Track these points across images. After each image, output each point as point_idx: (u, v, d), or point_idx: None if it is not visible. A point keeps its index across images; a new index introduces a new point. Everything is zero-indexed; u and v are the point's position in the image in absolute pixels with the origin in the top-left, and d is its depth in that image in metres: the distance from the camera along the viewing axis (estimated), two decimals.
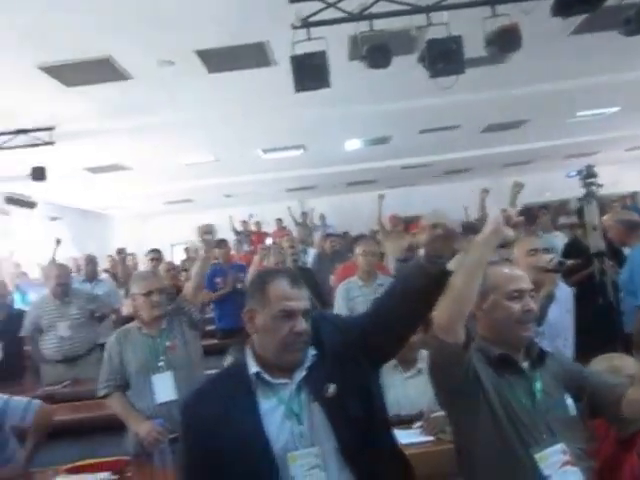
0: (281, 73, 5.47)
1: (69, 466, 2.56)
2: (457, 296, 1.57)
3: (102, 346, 4.89)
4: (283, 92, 6.06)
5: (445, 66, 4.04)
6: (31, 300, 6.47)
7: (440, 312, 1.60)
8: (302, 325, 1.57)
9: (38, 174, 7.30)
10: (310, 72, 4.05)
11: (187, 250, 10.31)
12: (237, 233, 11.55)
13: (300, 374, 1.58)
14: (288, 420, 1.54)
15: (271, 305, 1.57)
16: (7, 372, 4.49)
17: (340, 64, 4.92)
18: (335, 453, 1.54)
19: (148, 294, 2.89)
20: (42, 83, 5.61)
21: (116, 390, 2.86)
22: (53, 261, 5.96)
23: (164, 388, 2.77)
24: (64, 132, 7.09)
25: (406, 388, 2.85)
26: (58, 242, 6.98)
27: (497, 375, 1.74)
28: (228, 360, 3.53)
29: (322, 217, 12.14)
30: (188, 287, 3.14)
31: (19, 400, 2.85)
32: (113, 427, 3.18)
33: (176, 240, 13.74)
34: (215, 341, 5.48)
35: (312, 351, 1.61)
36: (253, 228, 12.08)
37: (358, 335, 1.60)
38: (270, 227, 12.42)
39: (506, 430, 1.66)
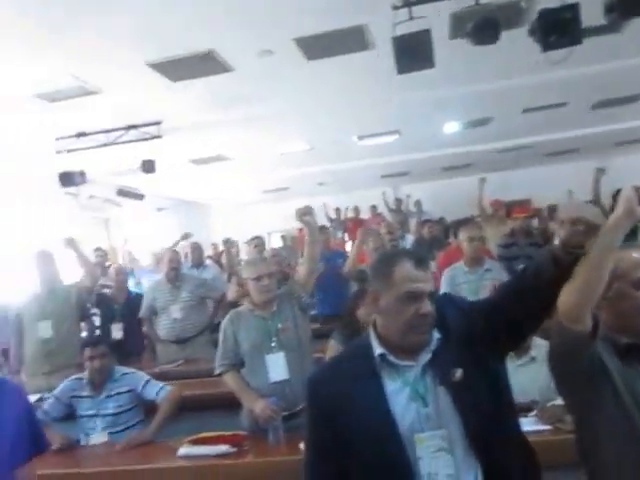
0: (380, 57, 5.45)
1: (192, 438, 2.70)
2: (585, 283, 1.48)
3: (214, 327, 5.21)
4: (381, 76, 6.04)
5: (559, 38, 3.81)
6: (143, 285, 6.86)
7: (566, 299, 1.51)
8: (427, 307, 1.55)
9: (148, 167, 7.69)
10: (413, 53, 4.00)
11: (283, 238, 10.50)
12: (331, 220, 11.65)
13: (425, 357, 1.57)
14: (413, 402, 1.54)
15: (396, 287, 1.56)
16: (127, 351, 4.78)
17: (440, 44, 4.81)
18: (461, 438, 1.52)
19: (258, 279, 2.97)
20: (150, 79, 5.88)
21: (231, 369, 2.98)
22: (171, 248, 6.25)
23: (277, 368, 2.85)
24: (170, 126, 7.42)
25: (517, 376, 2.76)
26: (186, 236, 7.24)
27: (625, 365, 1.64)
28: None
29: (418, 203, 11.97)
30: (300, 272, 3.19)
31: (156, 383, 3.29)
32: (225, 404, 3.33)
33: (272, 228, 14.05)
34: (317, 325, 5.57)
35: (437, 334, 1.60)
36: (351, 215, 12.12)
37: (483, 320, 1.57)
38: (364, 214, 12.41)
39: (635, 422, 1.57)
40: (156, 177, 9.23)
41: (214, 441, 2.63)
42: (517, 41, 5.20)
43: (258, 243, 6.11)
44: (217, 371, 3.00)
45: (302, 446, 2.48)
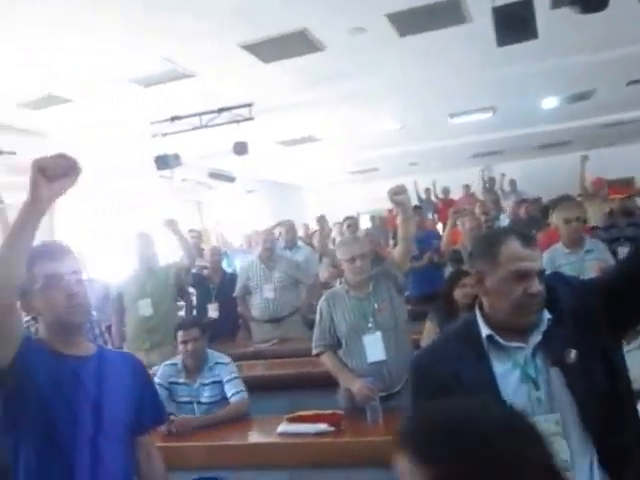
0: (477, 30, 5.23)
1: (290, 416, 2.73)
2: None
3: (307, 308, 5.26)
4: (477, 51, 5.81)
5: None
6: (236, 266, 7.02)
7: None
8: (537, 286, 1.46)
9: (240, 149, 7.81)
10: (514, 23, 3.79)
11: (373, 219, 10.43)
12: (421, 201, 11.45)
13: (536, 338, 1.49)
14: (524, 385, 1.47)
15: (503, 266, 1.48)
16: (222, 330, 4.91)
17: (541, 14, 4.55)
18: (575, 422, 1.44)
19: (352, 260, 2.94)
20: (242, 61, 5.95)
21: (328, 349, 2.98)
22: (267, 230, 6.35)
23: (374, 348, 2.83)
24: (262, 108, 7.50)
25: (628, 361, 2.60)
26: (279, 225, 7.33)
27: None
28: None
29: (513, 182, 11.54)
30: (396, 252, 3.13)
31: (238, 384, 3.19)
32: (320, 383, 3.35)
33: (361, 209, 14.02)
34: (409, 307, 5.49)
35: (547, 314, 1.51)
36: (439, 195, 11.87)
37: (598, 299, 1.47)
38: (455, 194, 12.12)
39: None
40: (246, 159, 9.42)
41: (312, 419, 2.64)
42: (626, 8, 4.84)
43: (351, 223, 6.09)
44: (314, 351, 3.01)
45: None
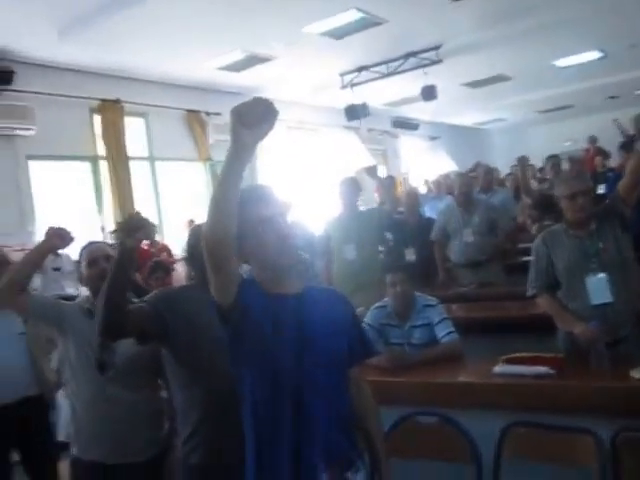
0: None
1: (508, 357, 2.70)
2: None
3: (503, 253, 5.13)
4: None
5: None
6: (426, 211, 6.99)
7: None
8: None
9: (428, 93, 7.68)
10: None
11: (571, 160, 9.69)
12: (630, 137, 10.34)
13: None
14: None
15: None
16: (422, 274, 4.95)
17: None
18: None
19: (572, 197, 2.77)
20: (430, 1, 5.79)
21: (545, 291, 2.88)
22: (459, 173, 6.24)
23: (598, 290, 2.67)
24: (450, 49, 7.28)
25: None
26: (476, 168, 7.18)
27: None
28: None
29: None
30: (622, 185, 2.89)
31: (448, 324, 3.15)
32: (527, 327, 3.25)
33: (552, 150, 13.10)
34: None
35: None
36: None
37: None
38: None
39: None
40: (430, 105, 9.25)
41: (532, 361, 2.59)
42: None
43: (555, 162, 5.73)
44: (530, 292, 2.92)
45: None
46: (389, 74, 7.85)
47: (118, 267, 1.85)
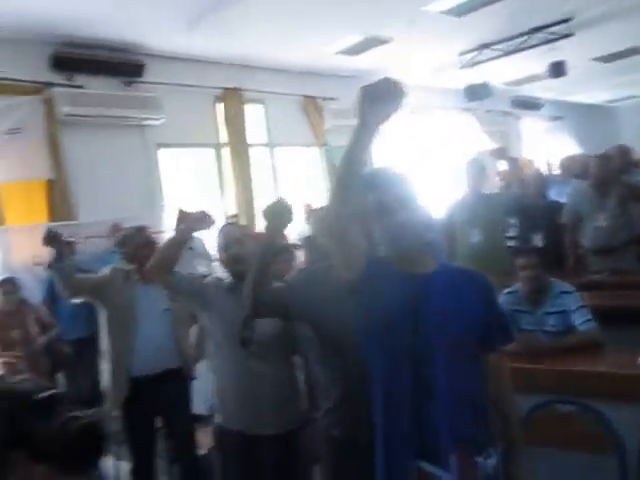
0: None
1: None
2: None
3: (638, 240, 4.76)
4: None
5: None
6: (551, 195, 6.63)
7: None
8: None
9: (557, 70, 7.25)
10: None
11: None
12: None
13: None
14: None
15: None
16: (549, 260, 4.71)
17: None
18: None
19: None
20: None
21: None
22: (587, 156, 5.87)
23: None
24: (583, 21, 6.81)
25: None
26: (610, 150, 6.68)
27: None
28: None
29: None
30: None
31: (586, 312, 3.02)
32: None
33: None
34: None
35: None
36: None
37: None
38: None
39: None
40: (554, 83, 8.74)
41: None
42: None
43: None
44: None
45: None
46: (512, 51, 7.49)
47: (266, 251, 1.91)
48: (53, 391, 0.65)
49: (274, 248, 1.96)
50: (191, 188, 7.25)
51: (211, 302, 2.45)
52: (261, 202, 7.54)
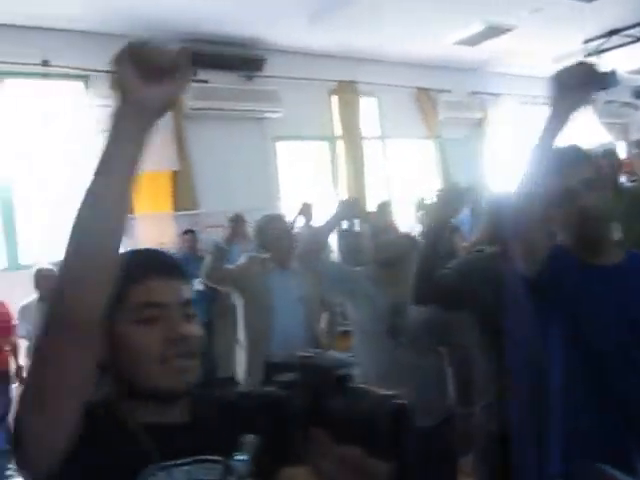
0: None
1: None
2: None
3: None
4: None
5: None
6: None
7: None
8: None
9: None
10: None
11: None
12: None
13: None
14: None
15: None
16: None
17: None
18: None
19: None
20: None
21: None
22: None
23: None
24: None
25: None
26: None
27: None
28: None
29: None
30: None
31: None
32: None
33: None
34: None
35: None
36: None
37: None
38: None
39: None
40: None
41: None
42: None
43: None
44: None
45: None
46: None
47: (436, 236, 1.90)
48: (351, 367, 0.65)
49: (443, 234, 1.93)
50: (306, 180, 7.35)
51: (358, 290, 2.46)
52: (373, 195, 7.53)
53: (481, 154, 8.62)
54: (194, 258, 5.94)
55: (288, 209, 6.35)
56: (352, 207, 2.57)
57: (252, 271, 3.25)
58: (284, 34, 6.49)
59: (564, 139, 1.47)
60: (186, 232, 6.03)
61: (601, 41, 7.23)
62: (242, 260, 3.34)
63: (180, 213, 6.25)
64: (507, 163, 8.52)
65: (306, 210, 6.75)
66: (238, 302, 3.33)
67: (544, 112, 1.47)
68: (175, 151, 6.25)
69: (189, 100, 6.24)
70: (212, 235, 6.32)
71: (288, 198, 6.84)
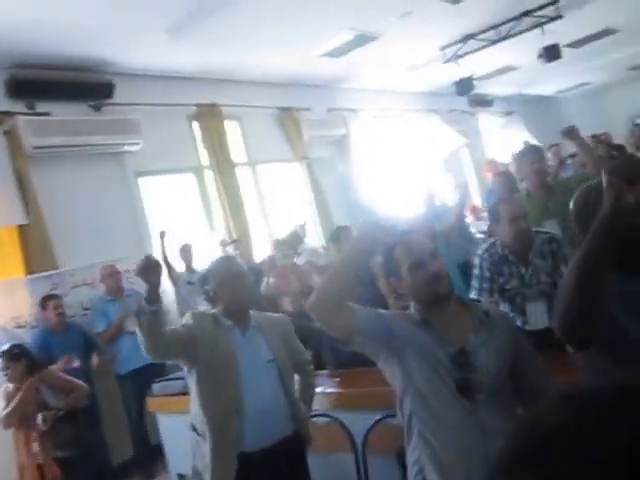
0: None
1: None
2: None
3: None
4: None
5: None
6: None
7: None
8: None
9: (550, 53, 6.96)
10: None
11: None
12: None
13: None
14: None
15: None
16: None
17: None
18: None
19: None
20: None
21: None
22: None
23: None
24: (571, 2, 6.61)
25: None
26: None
27: None
28: None
29: None
30: None
31: None
32: None
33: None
34: None
35: None
36: None
37: None
38: None
39: None
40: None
41: None
42: None
43: None
44: None
45: None
46: (499, 40, 7.16)
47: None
48: None
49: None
50: (177, 216, 6.42)
51: (399, 338, 1.81)
52: (253, 225, 6.85)
53: (349, 172, 8.32)
54: (65, 328, 4.83)
55: (162, 252, 5.48)
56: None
57: (204, 333, 2.45)
58: (135, 55, 5.62)
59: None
60: (46, 298, 4.86)
61: (458, 46, 7.30)
62: (187, 318, 2.51)
63: (35, 276, 5.04)
64: (373, 179, 8.35)
65: (186, 252, 5.91)
66: (189, 377, 2.51)
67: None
68: (19, 201, 5.06)
69: (28, 138, 5.11)
70: (81, 296, 5.25)
71: (159, 240, 5.83)
